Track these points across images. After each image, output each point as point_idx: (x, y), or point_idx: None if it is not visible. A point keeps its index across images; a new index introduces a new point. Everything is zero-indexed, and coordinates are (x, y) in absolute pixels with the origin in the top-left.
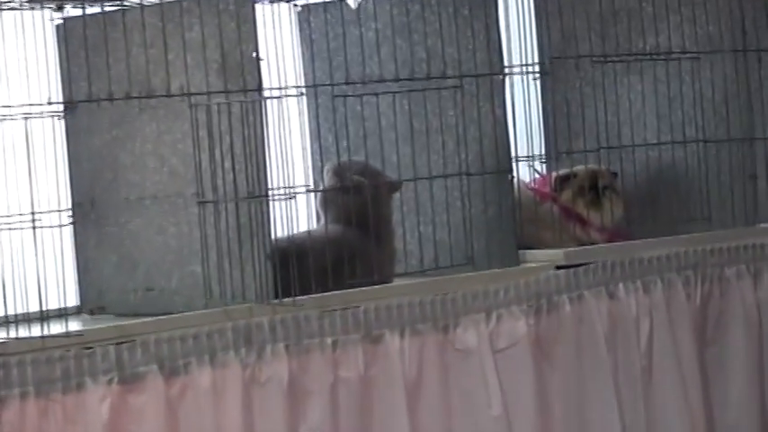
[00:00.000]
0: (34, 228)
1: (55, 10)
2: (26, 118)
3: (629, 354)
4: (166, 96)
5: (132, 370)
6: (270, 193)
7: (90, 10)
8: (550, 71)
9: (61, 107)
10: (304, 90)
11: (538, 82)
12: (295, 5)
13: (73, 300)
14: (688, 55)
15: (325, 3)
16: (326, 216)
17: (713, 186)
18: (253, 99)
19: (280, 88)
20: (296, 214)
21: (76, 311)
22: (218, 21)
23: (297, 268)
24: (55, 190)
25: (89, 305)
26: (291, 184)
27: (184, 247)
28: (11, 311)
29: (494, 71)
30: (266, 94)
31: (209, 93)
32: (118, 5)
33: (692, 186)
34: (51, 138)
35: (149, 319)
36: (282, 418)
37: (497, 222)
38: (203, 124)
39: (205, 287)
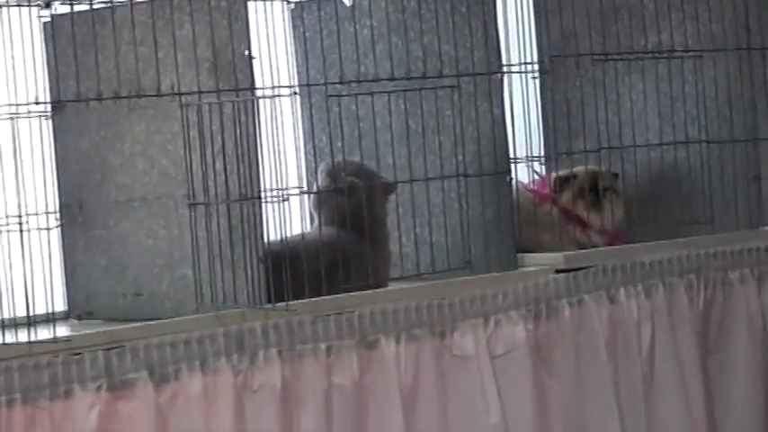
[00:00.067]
0: (21, 230)
1: (42, 7)
2: (13, 118)
3: (629, 360)
4: (156, 96)
5: (121, 376)
6: (262, 194)
7: (78, 7)
8: (550, 70)
9: (49, 107)
10: (297, 89)
11: (537, 81)
12: (288, 2)
13: (60, 304)
14: (691, 53)
15: (318, 0)
16: (320, 218)
17: (716, 188)
18: (245, 98)
19: (272, 87)
20: (289, 217)
21: (64, 316)
22: (209, 18)
23: (290, 272)
24: (42, 192)
25: (77, 310)
26: (284, 186)
27: (175, 251)
28: None
29: (492, 70)
30: (259, 93)
31: (200, 92)
32: (107, 3)
33: (695, 188)
34: (38, 138)
35: (139, 324)
36: (275, 425)
37: (495, 225)
38: (194, 124)
39: (196, 291)
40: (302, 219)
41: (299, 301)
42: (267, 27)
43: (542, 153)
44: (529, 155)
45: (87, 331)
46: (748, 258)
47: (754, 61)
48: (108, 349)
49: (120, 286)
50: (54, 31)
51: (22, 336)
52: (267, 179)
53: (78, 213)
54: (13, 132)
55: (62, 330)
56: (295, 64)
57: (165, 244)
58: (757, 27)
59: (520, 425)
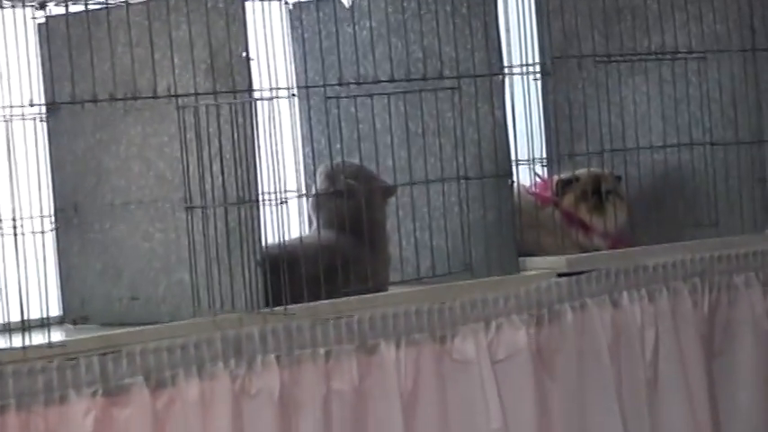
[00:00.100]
0: (15, 234)
1: (37, 8)
2: (7, 120)
3: (633, 364)
4: (153, 98)
5: (117, 382)
6: (260, 197)
7: (73, 8)
8: (552, 71)
9: (43, 109)
10: (295, 91)
11: (539, 82)
12: (286, 3)
13: (55, 309)
14: (695, 54)
15: (317, 0)
16: (319, 221)
17: (721, 190)
18: (242, 100)
19: (270, 89)
20: (287, 220)
21: (59, 321)
22: (206, 19)
23: (288, 276)
24: (37, 195)
25: (72, 315)
26: (282, 189)
27: (171, 255)
28: None
29: (493, 71)
30: (256, 95)
31: (196, 94)
32: (102, 3)
33: (699, 191)
34: (33, 141)
35: (135, 328)
36: (273, 431)
37: (497, 228)
38: (191, 126)
39: (193, 296)
40: (300, 222)
41: (298, 305)
42: (265, 28)
43: (544, 155)
44: (530, 157)
45: (82, 336)
46: (753, 262)
47: (759, 62)
48: (104, 354)
49: (115, 290)
50: (49, 32)
51: (17, 341)
52: (265, 182)
53: (73, 217)
54: (8, 135)
55: (57, 335)
56: (293, 65)
57: (162, 248)
58: (762, 28)
59: (521, 430)
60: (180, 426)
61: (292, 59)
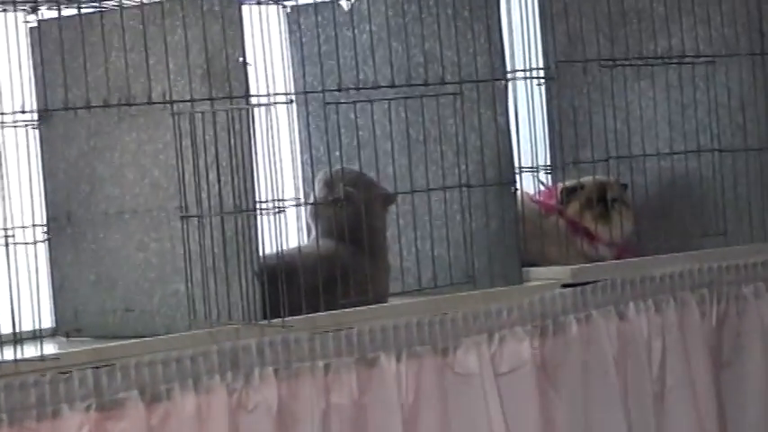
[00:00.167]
0: (7, 244)
1: (29, 12)
2: None
3: (639, 377)
4: (147, 104)
5: (111, 396)
6: (257, 206)
7: (66, 12)
8: (556, 76)
9: (35, 116)
10: (294, 97)
11: (542, 87)
12: (284, 7)
13: (48, 321)
14: (702, 59)
15: (315, 4)
16: (317, 230)
17: (729, 199)
18: (239, 107)
19: (268, 95)
20: (285, 229)
21: (52, 333)
22: (202, 23)
23: (286, 287)
24: (29, 204)
25: (65, 327)
26: (280, 197)
27: (167, 265)
28: None
29: (496, 76)
30: (254, 101)
31: (192, 100)
32: (96, 7)
33: (707, 199)
34: (25, 148)
35: (129, 341)
36: None
37: (500, 237)
38: (187, 133)
39: (189, 307)
40: (299, 231)
41: (296, 317)
42: (262, 32)
43: (548, 162)
44: (534, 164)
45: (76, 349)
46: (762, 272)
47: None
48: (97, 368)
49: (109, 302)
50: (41, 36)
51: (8, 354)
52: (262, 190)
53: (66, 226)
54: None
55: (49, 348)
56: (291, 70)
57: (157, 258)
58: None
59: None
60: None
61: (290, 64)
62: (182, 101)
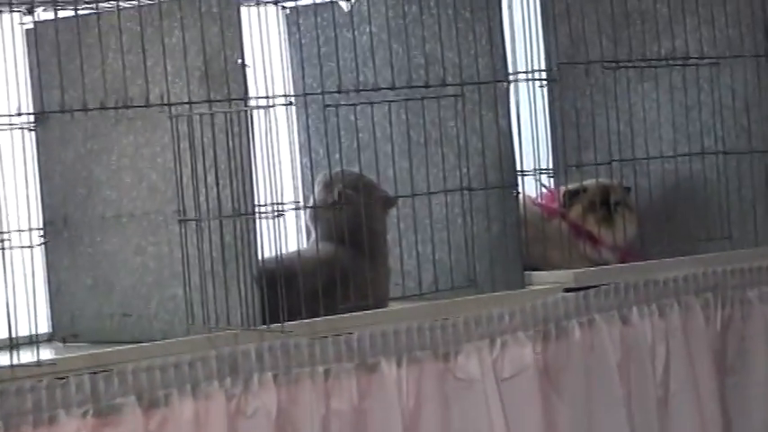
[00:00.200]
0: (3, 248)
1: (25, 13)
2: None
3: (643, 383)
4: (145, 106)
5: (108, 402)
6: (256, 210)
7: (62, 13)
8: (558, 78)
9: (32, 118)
10: (293, 99)
11: (545, 89)
12: (283, 8)
13: (44, 326)
14: (706, 60)
15: (315, 4)
16: (317, 233)
17: (734, 202)
18: (238, 109)
19: (267, 97)
20: (284, 233)
21: (48, 339)
22: (200, 24)
23: (285, 291)
24: (25, 207)
25: (62, 332)
26: (279, 201)
27: (164, 269)
28: None
29: (497, 78)
30: (252, 103)
31: (190, 102)
32: (92, 8)
33: (712, 202)
34: (21, 151)
35: (127, 346)
36: None
37: (502, 241)
38: (185, 136)
39: (187, 312)
40: (298, 235)
41: (295, 322)
42: (261, 34)
43: (550, 165)
44: (536, 167)
45: (72, 354)
46: None
47: None
48: (94, 373)
49: (106, 307)
50: (37, 38)
51: (4, 359)
52: (261, 194)
53: (63, 230)
54: None
55: (46, 353)
56: (290, 72)
57: (155, 262)
58: None
59: None
60: None
61: (289, 66)
62: (180, 103)
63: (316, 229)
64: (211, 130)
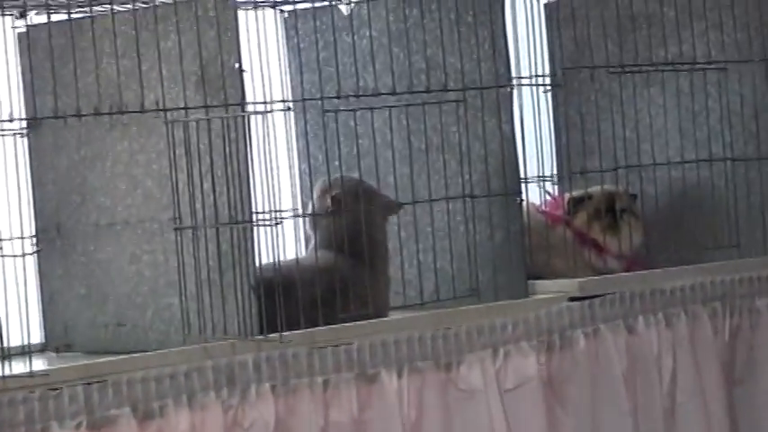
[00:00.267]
0: None
1: (17, 17)
2: None
3: (649, 394)
4: (140, 112)
5: (103, 413)
6: (254, 217)
7: (56, 17)
8: (563, 83)
9: (24, 124)
10: (291, 104)
11: (549, 95)
12: (281, 11)
13: (37, 336)
14: (714, 65)
15: (314, 8)
16: (315, 241)
17: (742, 209)
18: (235, 114)
19: (264, 102)
20: (282, 241)
21: (41, 349)
22: (196, 28)
23: (283, 300)
24: (17, 215)
25: (55, 342)
26: (277, 208)
27: (160, 278)
28: None
29: (500, 83)
30: (249, 108)
31: (186, 108)
32: (86, 12)
33: (719, 209)
34: (13, 158)
35: (121, 357)
36: None
37: (505, 250)
38: (180, 142)
39: (183, 321)
40: (296, 243)
41: (294, 331)
42: (259, 38)
43: (555, 172)
44: (540, 174)
45: (66, 365)
46: None
47: None
48: (88, 384)
49: (100, 316)
50: (30, 42)
51: None
52: (259, 201)
53: (56, 238)
54: None
55: (39, 364)
56: (289, 77)
57: (150, 271)
58: None
59: None
60: None
61: (288, 71)
62: (175, 109)
63: (315, 237)
64: (208, 136)
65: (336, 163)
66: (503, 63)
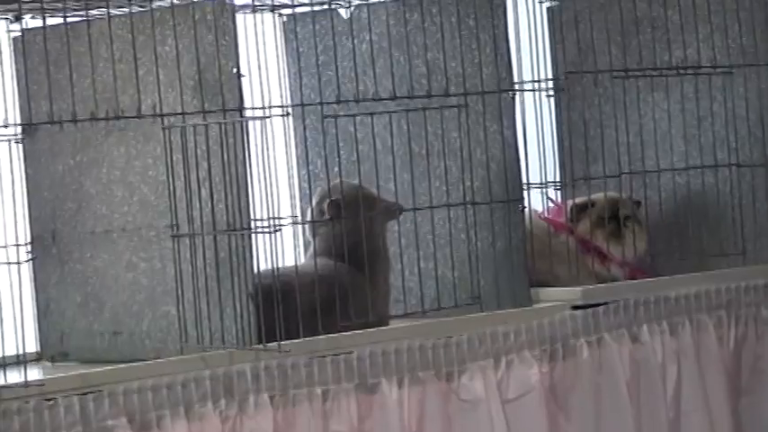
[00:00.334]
0: None
1: (12, 21)
2: None
3: (653, 404)
4: (136, 117)
5: (99, 423)
6: (252, 224)
7: (51, 21)
8: (565, 88)
9: (19, 129)
10: (290, 109)
11: (551, 100)
12: (280, 15)
13: (32, 345)
14: (719, 69)
15: (313, 12)
16: (314, 248)
17: (748, 216)
18: (233, 120)
19: (263, 108)
20: (281, 248)
21: (36, 358)
22: (194, 32)
23: (282, 309)
24: (12, 222)
25: (50, 351)
26: (276, 215)
27: (157, 286)
28: None
29: (502, 88)
30: (248, 114)
31: (184, 113)
32: (82, 15)
33: (725, 216)
34: (8, 163)
35: (118, 366)
36: None
37: (507, 257)
38: (178, 148)
39: (180, 330)
40: (295, 251)
41: (293, 341)
42: (257, 42)
43: (557, 178)
44: (543, 180)
45: (61, 374)
46: None
47: None
48: (84, 394)
49: (97, 325)
50: (25, 46)
51: None
52: (257, 208)
53: (52, 245)
54: None
55: (34, 373)
56: (288, 82)
57: (147, 279)
58: None
59: None
60: None
61: (287, 75)
62: (173, 114)
63: (314, 244)
64: (205, 141)
65: (336, 169)
66: (505, 67)
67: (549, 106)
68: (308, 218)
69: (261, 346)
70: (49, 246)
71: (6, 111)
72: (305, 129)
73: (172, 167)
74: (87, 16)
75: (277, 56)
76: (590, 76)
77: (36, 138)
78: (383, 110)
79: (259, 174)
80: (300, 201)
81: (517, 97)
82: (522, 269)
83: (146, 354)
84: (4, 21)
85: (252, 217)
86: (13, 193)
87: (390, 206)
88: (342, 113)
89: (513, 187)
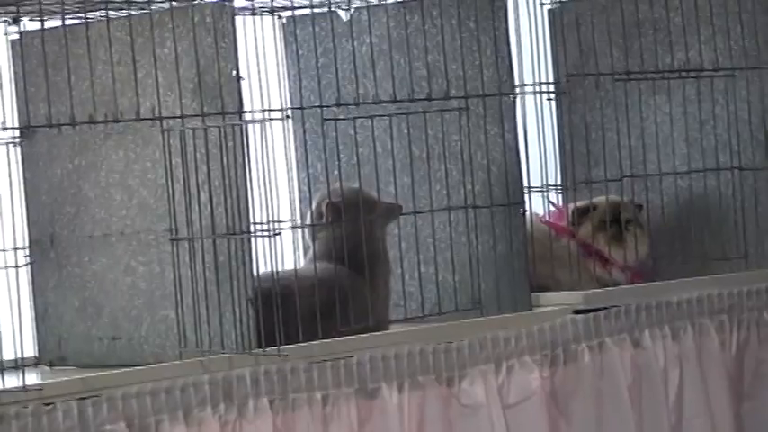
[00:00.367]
0: None
1: (10, 23)
2: None
3: (655, 409)
4: (135, 120)
5: (97, 428)
6: (252, 228)
7: (49, 23)
8: (567, 90)
9: (17, 132)
10: (290, 112)
11: (553, 103)
12: (280, 17)
13: (30, 350)
14: (722, 72)
15: (313, 14)
16: (314, 252)
17: (750, 220)
18: (232, 123)
19: (262, 111)
20: (280, 252)
21: (34, 363)
22: (193, 35)
23: (282, 313)
24: (10, 226)
25: (48, 356)
26: (276, 219)
27: (156, 290)
28: None
29: (503, 90)
30: (247, 117)
31: (183, 116)
32: (81, 18)
33: (727, 220)
34: (6, 167)
35: (116, 371)
36: None
37: (507, 261)
38: (177, 151)
39: (179, 335)
40: (295, 254)
41: (293, 345)
42: (257, 44)
43: (559, 182)
44: (544, 184)
45: (60, 379)
46: None
47: None
48: (82, 398)
49: (95, 329)
50: (23, 49)
51: None
52: (257, 212)
53: (50, 249)
54: None
55: (32, 378)
56: (287, 85)
57: (145, 283)
58: None
59: None
60: None
61: (286, 78)
62: (172, 117)
63: (314, 248)
64: (205, 144)
65: (336, 172)
66: (505, 70)
67: (550, 109)
68: (308, 221)
69: (260, 350)
70: (47, 250)
71: (4, 114)
72: (305, 132)
73: (171, 171)
74: (86, 19)
75: (276, 58)
76: (591, 79)
77: (34, 141)
78: (383, 113)
79: (258, 177)
80: (300, 204)
81: (518, 100)
82: (523, 273)
83: (144, 358)
84: (2, 23)
85: (251, 220)
86: (11, 196)
87: (391, 206)
88: (342, 116)
89: (514, 191)
